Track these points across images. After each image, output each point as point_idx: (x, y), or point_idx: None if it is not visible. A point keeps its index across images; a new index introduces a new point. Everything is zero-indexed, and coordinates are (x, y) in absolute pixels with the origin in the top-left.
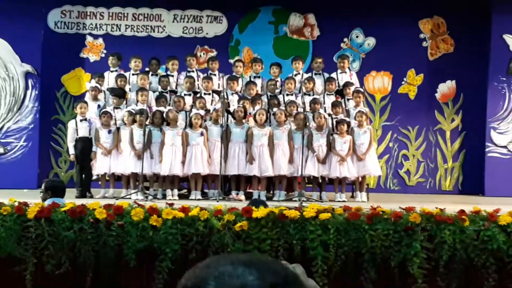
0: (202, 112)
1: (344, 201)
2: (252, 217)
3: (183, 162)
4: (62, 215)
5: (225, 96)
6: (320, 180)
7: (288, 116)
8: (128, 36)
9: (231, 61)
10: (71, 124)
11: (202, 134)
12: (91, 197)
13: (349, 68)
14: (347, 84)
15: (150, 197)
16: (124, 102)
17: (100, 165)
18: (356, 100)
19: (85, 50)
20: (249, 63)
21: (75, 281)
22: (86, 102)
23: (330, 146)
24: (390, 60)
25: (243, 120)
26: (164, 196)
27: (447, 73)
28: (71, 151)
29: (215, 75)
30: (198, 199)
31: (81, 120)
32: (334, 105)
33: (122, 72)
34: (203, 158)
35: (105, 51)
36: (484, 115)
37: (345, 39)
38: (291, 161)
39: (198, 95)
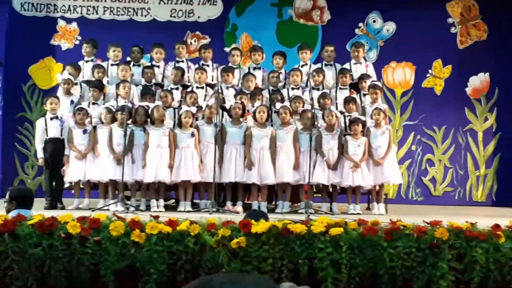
0: (193, 109)
1: (358, 213)
2: (251, 232)
3: (170, 168)
4: (29, 229)
5: (220, 91)
6: (331, 189)
7: (294, 114)
8: (106, 20)
9: (227, 49)
10: (39, 123)
11: (193, 134)
12: (63, 208)
13: (364, 58)
14: (363, 77)
15: (131, 209)
16: (102, 97)
17: (74, 171)
18: (373, 95)
19: (57, 36)
20: (248, 52)
21: None
22: (57, 97)
23: (342, 150)
24: (412, 48)
25: (241, 119)
26: (148, 208)
27: (479, 64)
28: (40, 154)
29: (208, 65)
30: (188, 211)
31: (51, 118)
32: (347, 101)
33: (99, 62)
34: (194, 162)
35: (79, 38)
36: None
37: (360, 24)
38: (296, 166)
39: (189, 89)
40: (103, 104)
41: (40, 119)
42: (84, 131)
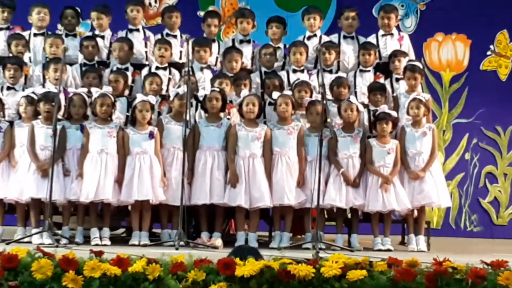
0: (153, 99)
1: (388, 250)
2: (235, 276)
3: (119, 183)
4: None
5: (191, 73)
6: (350, 215)
7: (297, 107)
8: None
9: (202, 13)
10: None
11: (151, 135)
12: None
13: (398, 27)
14: (396, 55)
15: (63, 241)
16: (22, 80)
17: None
18: (410, 81)
19: None
20: (232, 18)
21: None
22: None
23: (366, 158)
24: (466, 16)
25: (221, 114)
26: (87, 240)
27: None
28: None
29: (175, 36)
30: (145, 245)
31: None
32: (373, 89)
33: (18, 30)
34: (154, 176)
35: None
36: None
37: None
38: (301, 182)
39: (147, 71)
40: (23, 90)
41: None
42: None
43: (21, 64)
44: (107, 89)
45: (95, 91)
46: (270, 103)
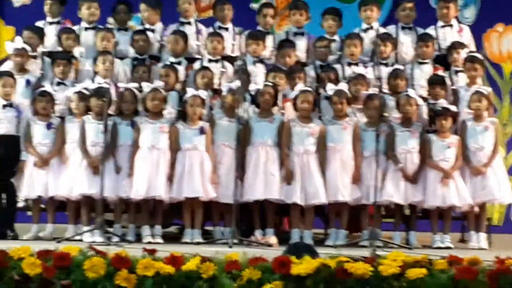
0: (205, 94)
1: (448, 247)
2: (291, 274)
3: (170, 179)
4: None
5: (244, 66)
6: (408, 212)
7: (353, 101)
8: None
9: (255, 5)
10: None
11: (202, 131)
12: (15, 237)
13: (457, 18)
14: (455, 46)
15: (115, 239)
16: (73, 75)
17: (32, 184)
18: (471, 73)
19: None
20: (286, 10)
21: None
22: (12, 76)
23: (425, 153)
24: None
25: (274, 109)
26: (139, 237)
27: None
28: None
29: (227, 29)
30: (198, 243)
31: (4, 106)
32: (433, 82)
33: (68, 24)
34: (205, 172)
35: None
36: None
37: None
38: (357, 179)
39: (196, 64)
40: (74, 85)
41: None
42: (48, 126)
43: (71, 59)
44: (158, 83)
45: (146, 86)
46: (325, 98)
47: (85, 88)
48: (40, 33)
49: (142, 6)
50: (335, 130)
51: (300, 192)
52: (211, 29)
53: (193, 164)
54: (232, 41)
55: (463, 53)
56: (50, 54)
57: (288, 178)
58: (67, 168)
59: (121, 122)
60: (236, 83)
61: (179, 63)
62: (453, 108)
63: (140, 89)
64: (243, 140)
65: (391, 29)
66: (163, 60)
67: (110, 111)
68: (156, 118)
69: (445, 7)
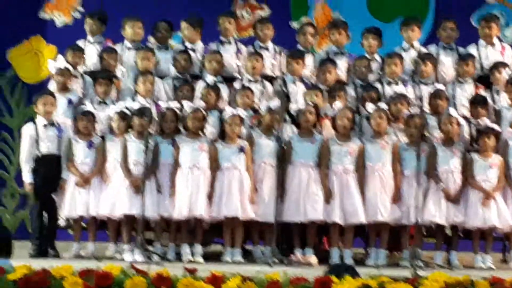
0: (244, 113)
1: (490, 268)
2: None
3: (210, 198)
4: (9, 286)
5: (285, 86)
6: (450, 233)
7: (393, 120)
8: None
9: (295, 25)
10: (27, 132)
11: (242, 150)
12: (57, 256)
13: (499, 37)
14: (497, 66)
15: (156, 258)
16: (114, 94)
17: (73, 203)
18: None
19: (48, 6)
20: (326, 29)
21: None
22: (53, 95)
23: (467, 173)
24: None
25: (314, 129)
26: (179, 256)
27: None
28: (27, 177)
29: (267, 49)
30: (238, 262)
31: (45, 126)
32: (475, 101)
33: (109, 44)
34: (244, 191)
35: (81, 9)
36: None
37: None
38: (397, 198)
39: (239, 84)
40: (115, 105)
41: (27, 126)
42: (89, 145)
43: (112, 78)
44: (199, 103)
45: (188, 106)
46: (365, 117)
47: (126, 108)
48: (81, 53)
49: (183, 25)
50: (373, 149)
51: (339, 211)
52: (251, 48)
53: (232, 183)
54: (272, 60)
55: (505, 73)
56: (91, 73)
57: (327, 197)
58: (109, 187)
59: (162, 141)
60: (275, 102)
61: (222, 82)
62: (496, 127)
63: (181, 108)
64: (283, 159)
65: (431, 48)
66: (204, 79)
67: (151, 130)
68: (195, 137)
69: (487, 27)
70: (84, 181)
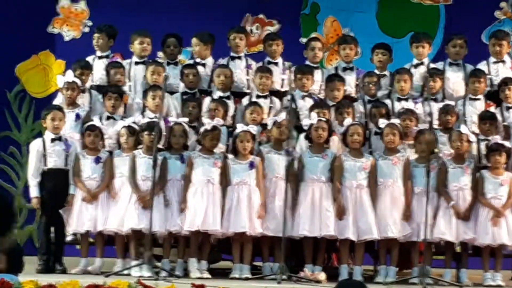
0: (255, 129)
1: (499, 286)
2: None
3: (220, 214)
4: None
5: (294, 101)
6: (459, 249)
7: (404, 137)
8: None
9: (304, 40)
10: (35, 147)
11: (252, 165)
12: (64, 271)
13: (509, 54)
14: (506, 83)
15: (163, 274)
16: (122, 109)
17: (81, 218)
18: None
19: (57, 20)
20: (335, 45)
21: None
22: (61, 110)
23: (477, 190)
24: None
25: (325, 145)
26: (186, 272)
27: None
28: (34, 192)
29: (276, 64)
30: (246, 278)
31: (53, 140)
32: (484, 117)
33: (118, 59)
34: (254, 207)
35: (89, 23)
36: None
37: (503, 4)
38: (408, 215)
39: (247, 100)
40: (123, 120)
41: (35, 142)
42: (97, 160)
43: (121, 93)
44: (218, 121)
45: (208, 123)
46: (376, 133)
47: (134, 123)
48: (89, 68)
49: (194, 41)
50: (385, 165)
51: (353, 227)
52: (260, 64)
53: (241, 199)
54: (282, 75)
55: None
56: (98, 88)
57: (339, 213)
58: (117, 203)
59: (170, 156)
60: (281, 116)
61: (227, 97)
62: (506, 144)
63: (190, 124)
64: (294, 174)
65: (439, 64)
66: (213, 94)
67: (160, 145)
68: (210, 154)
69: (498, 44)
70: (92, 197)
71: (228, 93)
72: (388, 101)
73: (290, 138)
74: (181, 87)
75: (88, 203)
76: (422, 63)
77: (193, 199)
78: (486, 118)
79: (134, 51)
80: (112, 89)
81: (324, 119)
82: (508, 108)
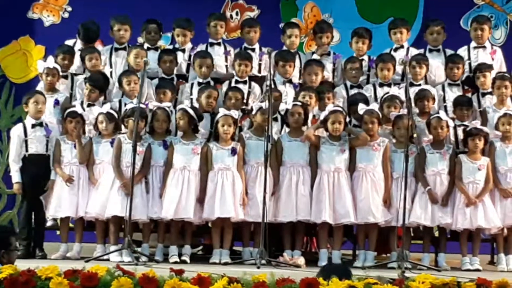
0: (236, 114)
1: (477, 269)
2: None
3: (200, 201)
4: None
5: (273, 86)
6: (437, 234)
7: (384, 122)
8: None
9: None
10: (16, 132)
11: (234, 151)
12: (44, 257)
13: (489, 39)
14: (484, 68)
15: (143, 259)
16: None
17: (59, 203)
18: (500, 92)
19: (37, 6)
20: (314, 31)
21: None
22: (43, 95)
23: (454, 176)
24: None
25: (304, 128)
26: (166, 257)
27: None
28: (15, 177)
29: (254, 50)
30: (226, 263)
31: (33, 126)
32: (459, 103)
33: (98, 45)
34: (235, 193)
35: (69, 8)
36: None
37: None
38: (387, 200)
39: (228, 85)
40: (102, 105)
41: (16, 127)
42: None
43: (105, 81)
44: (187, 103)
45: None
46: (356, 118)
47: (112, 108)
48: (71, 53)
49: (177, 30)
50: (365, 151)
51: (329, 211)
52: (238, 50)
53: (225, 184)
54: (259, 61)
55: (491, 75)
56: (89, 76)
57: (317, 197)
58: (97, 189)
59: (153, 142)
60: (266, 103)
61: (207, 83)
62: (485, 128)
63: (172, 109)
64: (274, 159)
65: (420, 51)
66: (191, 79)
67: (143, 133)
68: (191, 139)
69: (480, 28)
70: (69, 180)
71: (208, 79)
72: (369, 87)
73: (270, 123)
74: (160, 71)
75: (70, 189)
76: (402, 47)
77: (170, 186)
78: (461, 103)
79: (113, 37)
80: (94, 78)
81: (299, 104)
82: (483, 94)
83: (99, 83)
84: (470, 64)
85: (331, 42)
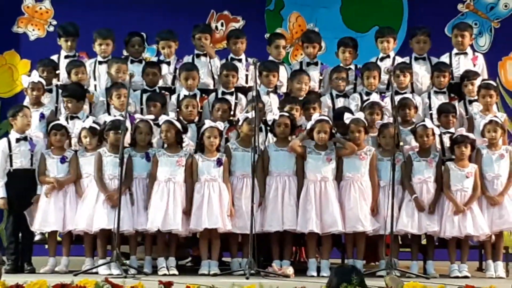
0: (222, 125)
1: (466, 276)
2: None
3: (185, 212)
4: None
5: (258, 97)
6: (425, 241)
7: (370, 129)
8: None
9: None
10: (0, 146)
11: (219, 162)
12: (32, 271)
13: (471, 46)
14: (469, 75)
15: (132, 272)
16: (87, 108)
17: (46, 218)
18: (485, 99)
19: (22, 20)
20: (299, 41)
21: None
22: (29, 109)
23: (442, 183)
24: None
25: (290, 137)
26: (155, 270)
27: None
28: (0, 193)
29: (240, 60)
30: (214, 274)
31: (18, 140)
32: (444, 110)
33: (84, 57)
34: (222, 204)
35: (54, 22)
36: None
37: None
38: (374, 208)
39: (215, 96)
40: (87, 118)
41: (1, 142)
42: (63, 160)
43: (82, 92)
44: (172, 115)
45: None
46: (341, 127)
47: (95, 122)
48: (53, 66)
49: (162, 42)
50: (352, 160)
51: (316, 221)
52: (224, 61)
53: (212, 195)
54: (245, 71)
55: (477, 82)
56: (64, 87)
57: (303, 207)
58: (83, 202)
59: (135, 154)
60: (252, 113)
61: (194, 95)
62: (471, 135)
63: (154, 121)
64: (261, 169)
65: (406, 59)
66: (176, 91)
67: (126, 143)
68: (175, 151)
69: (460, 35)
70: (58, 185)
71: (195, 92)
72: (356, 95)
73: (256, 134)
74: (145, 85)
75: (54, 203)
76: (388, 56)
77: (155, 198)
78: (445, 110)
79: (96, 50)
80: (70, 89)
81: (286, 114)
82: (470, 102)
83: (73, 92)
84: (451, 71)
85: (319, 51)
